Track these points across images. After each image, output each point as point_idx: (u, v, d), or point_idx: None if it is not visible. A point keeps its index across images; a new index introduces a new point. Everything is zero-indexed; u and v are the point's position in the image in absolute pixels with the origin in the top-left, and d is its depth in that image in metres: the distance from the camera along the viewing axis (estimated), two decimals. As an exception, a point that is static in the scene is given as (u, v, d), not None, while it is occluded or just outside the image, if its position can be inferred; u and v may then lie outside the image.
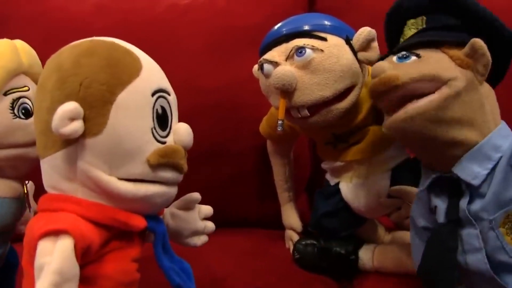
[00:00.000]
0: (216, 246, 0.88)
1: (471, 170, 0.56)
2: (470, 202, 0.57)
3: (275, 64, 0.72)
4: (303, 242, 0.84)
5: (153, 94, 0.52)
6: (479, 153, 0.56)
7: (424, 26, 0.61)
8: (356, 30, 0.73)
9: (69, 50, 0.52)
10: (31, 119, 0.59)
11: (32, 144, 0.56)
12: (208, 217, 0.66)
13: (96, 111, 0.48)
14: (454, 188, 0.58)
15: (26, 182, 0.65)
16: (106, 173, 0.49)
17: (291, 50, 0.71)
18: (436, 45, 0.59)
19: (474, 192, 0.57)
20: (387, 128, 0.59)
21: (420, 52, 0.59)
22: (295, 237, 0.89)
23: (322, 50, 0.70)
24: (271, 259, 0.86)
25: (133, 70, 0.51)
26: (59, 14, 0.97)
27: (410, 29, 0.63)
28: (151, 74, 0.53)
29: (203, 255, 0.83)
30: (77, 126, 0.47)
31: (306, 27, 0.73)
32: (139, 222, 0.52)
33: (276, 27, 0.76)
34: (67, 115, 0.47)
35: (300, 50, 0.70)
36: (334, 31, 0.73)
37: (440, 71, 0.56)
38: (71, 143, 0.49)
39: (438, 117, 0.55)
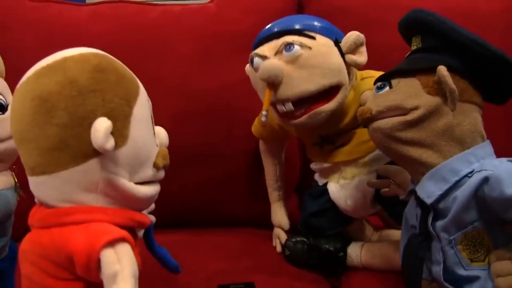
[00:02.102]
0: (210, 244, 0.91)
1: (427, 189, 0.59)
2: (434, 220, 0.60)
3: (264, 57, 0.74)
4: (293, 240, 0.85)
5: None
6: (437, 174, 0.59)
7: (420, 45, 0.63)
8: (345, 35, 0.75)
9: (75, 65, 0.51)
10: (7, 113, 0.61)
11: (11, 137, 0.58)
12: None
13: (119, 125, 0.50)
14: (424, 203, 0.60)
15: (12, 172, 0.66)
16: (127, 180, 0.52)
17: (281, 45, 0.73)
18: (414, 72, 0.61)
19: (438, 211, 0.59)
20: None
21: (395, 81, 0.62)
22: (282, 235, 0.91)
23: (310, 48, 0.72)
24: (262, 256, 0.88)
25: (136, 82, 0.54)
26: (56, 20, 0.98)
27: (413, 45, 0.65)
28: (141, 83, 0.56)
29: (197, 252, 0.86)
30: (113, 140, 0.49)
31: (297, 26, 0.75)
32: (147, 219, 0.55)
33: (269, 25, 0.78)
34: (108, 131, 0.48)
35: (288, 46, 0.73)
36: (323, 31, 0.75)
37: (404, 101, 0.60)
38: (93, 156, 0.49)
39: (393, 136, 0.61)
